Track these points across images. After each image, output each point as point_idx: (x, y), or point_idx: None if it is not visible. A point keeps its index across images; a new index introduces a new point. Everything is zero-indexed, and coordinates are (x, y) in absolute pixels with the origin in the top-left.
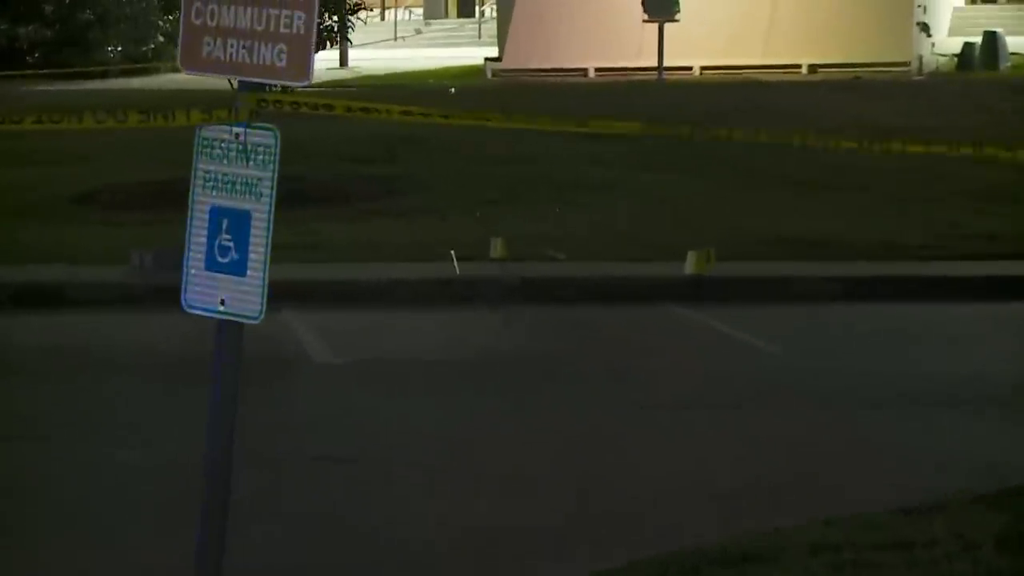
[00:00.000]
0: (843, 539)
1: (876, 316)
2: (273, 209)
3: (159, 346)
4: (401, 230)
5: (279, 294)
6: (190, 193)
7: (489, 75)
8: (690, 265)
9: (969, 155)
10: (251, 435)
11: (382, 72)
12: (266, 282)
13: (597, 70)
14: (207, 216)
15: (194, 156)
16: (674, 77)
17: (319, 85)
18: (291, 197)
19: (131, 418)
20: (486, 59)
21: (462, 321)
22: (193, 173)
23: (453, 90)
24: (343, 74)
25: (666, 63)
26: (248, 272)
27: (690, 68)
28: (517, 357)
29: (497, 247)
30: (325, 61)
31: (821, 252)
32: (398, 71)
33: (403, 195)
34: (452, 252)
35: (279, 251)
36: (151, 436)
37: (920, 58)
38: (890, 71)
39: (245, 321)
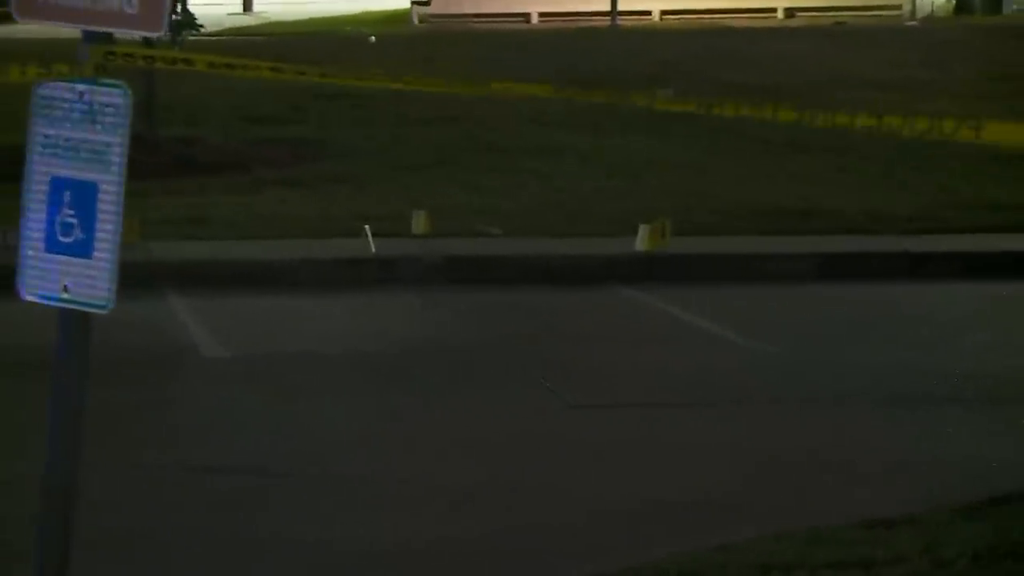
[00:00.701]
0: (795, 556)
1: (858, 298)
2: (124, 180)
3: (20, 338)
4: (308, 202)
5: (163, 276)
6: (27, 161)
7: (416, 21)
8: (642, 240)
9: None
10: (123, 444)
11: (292, 18)
12: (116, 265)
13: (541, 15)
14: (47, 188)
15: (30, 118)
16: (630, 23)
17: (216, 34)
18: (180, 164)
19: None
20: (413, 2)
21: (376, 307)
22: (30, 138)
23: (373, 39)
24: (246, 20)
25: (620, 7)
26: (95, 253)
27: (649, 13)
28: (438, 348)
29: (419, 221)
30: (225, 5)
31: (796, 225)
32: (311, 16)
33: (312, 161)
34: (366, 227)
35: (164, 226)
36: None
37: (913, 0)
38: (879, 15)
39: (92, 310)
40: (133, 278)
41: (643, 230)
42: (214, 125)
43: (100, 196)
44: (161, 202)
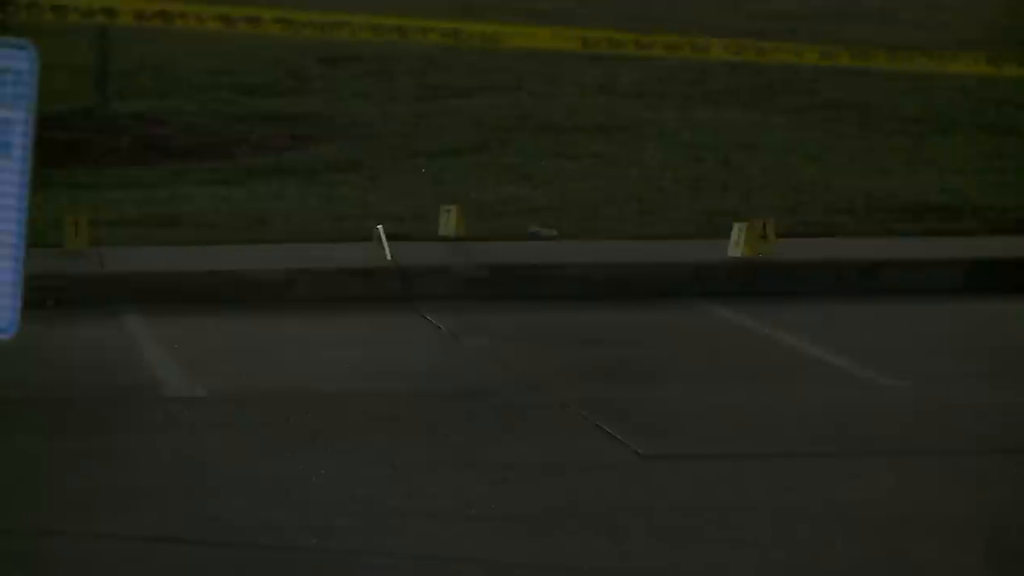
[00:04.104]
0: None
1: (1017, 318)
2: (29, 168)
3: None
4: (308, 196)
5: (119, 291)
6: None
7: None
8: (738, 244)
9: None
10: (62, 507)
11: None
12: (21, 279)
13: None
14: None
15: None
16: None
17: None
18: (143, 147)
19: None
20: None
21: (392, 332)
22: None
23: None
24: None
25: None
26: None
27: None
28: (474, 387)
29: (450, 220)
30: None
31: (941, 224)
32: None
33: (313, 143)
34: (379, 227)
35: (121, 228)
36: None
37: None
38: None
39: None
40: (80, 295)
41: (739, 231)
42: (188, 97)
43: None
44: (117, 197)
